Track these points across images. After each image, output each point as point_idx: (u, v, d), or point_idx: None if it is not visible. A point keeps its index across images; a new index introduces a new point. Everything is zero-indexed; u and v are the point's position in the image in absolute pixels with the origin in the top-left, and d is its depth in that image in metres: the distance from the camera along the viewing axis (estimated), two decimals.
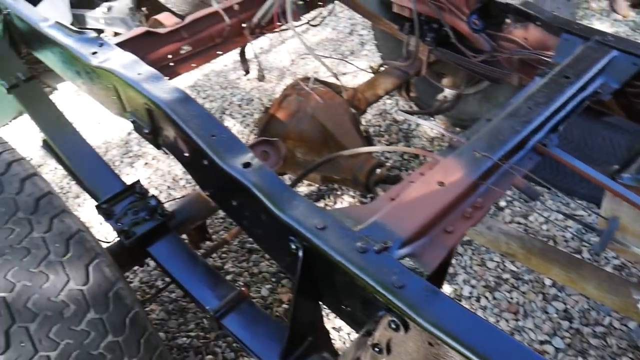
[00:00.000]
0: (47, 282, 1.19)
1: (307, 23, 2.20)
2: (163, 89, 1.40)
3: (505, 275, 2.36)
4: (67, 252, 1.24)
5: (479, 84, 2.81)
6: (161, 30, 1.86)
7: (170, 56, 1.91)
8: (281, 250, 1.22)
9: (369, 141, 2.18)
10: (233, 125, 3.30)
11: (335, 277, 1.12)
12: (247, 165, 1.25)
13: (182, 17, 1.94)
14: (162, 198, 2.80)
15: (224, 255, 2.54)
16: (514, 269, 2.39)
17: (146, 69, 1.48)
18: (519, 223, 2.60)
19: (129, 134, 3.34)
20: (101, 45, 1.67)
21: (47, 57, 2.03)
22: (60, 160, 1.93)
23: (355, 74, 3.57)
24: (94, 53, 1.64)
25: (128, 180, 1.66)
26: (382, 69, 2.51)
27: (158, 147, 1.58)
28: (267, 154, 1.47)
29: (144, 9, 3.71)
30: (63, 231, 1.26)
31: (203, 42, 1.98)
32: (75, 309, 1.21)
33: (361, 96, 2.29)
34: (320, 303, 1.27)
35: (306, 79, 2.11)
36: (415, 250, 1.15)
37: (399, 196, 1.27)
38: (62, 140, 1.87)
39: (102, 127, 3.46)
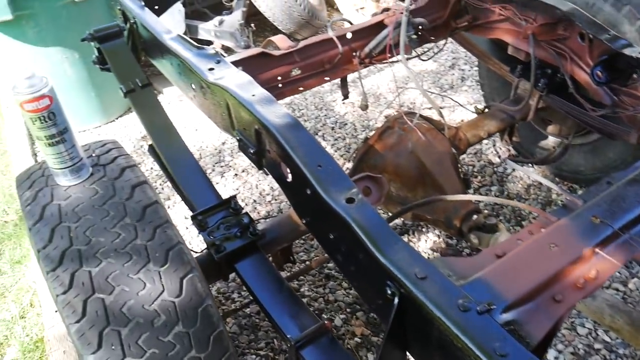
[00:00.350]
0: (143, 289, 1.22)
1: (417, 57, 2.17)
2: (275, 113, 1.41)
3: (597, 346, 2.19)
4: (166, 263, 1.26)
5: (587, 136, 2.65)
6: (275, 52, 1.90)
7: (280, 78, 1.94)
8: (374, 292, 1.18)
9: (466, 184, 2.10)
10: (324, 147, 3.31)
11: (430, 332, 1.06)
12: (350, 200, 1.22)
13: (296, 40, 1.97)
14: (247, 211, 2.85)
15: (301, 277, 2.53)
16: (607, 339, 2.21)
17: (260, 91, 1.50)
18: (616, 290, 2.41)
19: (223, 143, 3.44)
20: (218, 62, 1.72)
21: (164, 66, 2.13)
22: (162, 166, 2.00)
23: (453, 108, 3.49)
24: (211, 69, 1.69)
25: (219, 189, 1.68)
26: (486, 109, 2.43)
27: (260, 167, 1.59)
28: (369, 190, 1.45)
29: (252, 25, 3.84)
30: (164, 242, 1.28)
31: (313, 67, 1.99)
32: (165, 320, 1.23)
33: (463, 136, 2.22)
34: (408, 353, 1.22)
35: (411, 114, 2.07)
36: (521, 316, 1.08)
37: (506, 254, 1.20)
38: (168, 147, 1.94)
39: (199, 134, 3.58)
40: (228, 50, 3.88)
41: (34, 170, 1.45)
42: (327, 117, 3.62)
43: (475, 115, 2.41)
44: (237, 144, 1.66)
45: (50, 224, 1.26)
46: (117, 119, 3.91)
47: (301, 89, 2.01)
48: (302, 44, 1.94)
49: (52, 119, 1.23)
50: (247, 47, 3.57)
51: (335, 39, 1.96)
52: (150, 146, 2.07)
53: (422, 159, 1.98)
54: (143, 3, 2.23)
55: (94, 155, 1.46)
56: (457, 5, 2.26)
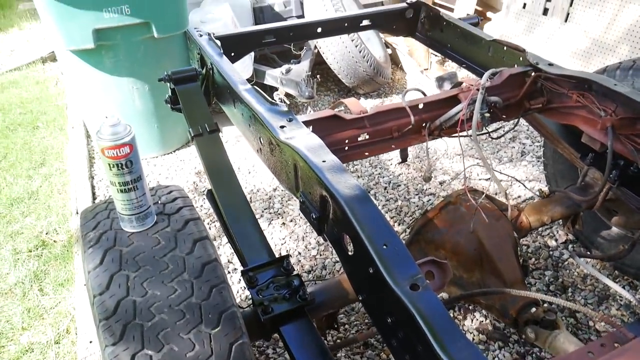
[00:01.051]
0: (192, 351, 1.19)
1: (488, 134, 2.13)
2: (345, 184, 1.39)
3: None
4: (217, 326, 1.23)
5: None
6: (347, 116, 1.89)
7: (347, 141, 1.93)
8: None
9: (525, 271, 2.01)
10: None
11: None
12: (415, 287, 1.17)
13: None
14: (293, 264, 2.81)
15: (338, 340, 2.45)
16: None
17: (331, 158, 1.49)
18: None
19: (275, 190, 3.45)
20: (290, 120, 1.72)
21: (234, 115, 2.15)
22: (218, 213, 2.00)
23: (511, 182, 3.41)
24: (282, 127, 1.69)
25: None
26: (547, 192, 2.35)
27: (320, 233, 1.56)
28: (432, 275, 1.39)
29: (317, 76, 3.89)
30: (219, 303, 1.26)
31: (381, 133, 1.98)
32: None
33: (525, 220, 2.15)
34: None
35: (475, 191, 2.02)
36: None
37: None
38: (227, 196, 1.94)
39: (252, 177, 3.61)
40: (290, 97, 3.94)
41: (100, 210, 1.47)
42: (381, 176, 3.59)
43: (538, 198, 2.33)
44: (289, 194, 1.65)
45: (110, 270, 1.25)
46: (174, 151, 4.00)
47: (367, 153, 1.99)
48: (373, 110, 1.93)
49: (128, 167, 1.25)
50: (311, 97, 3.62)
51: (407, 108, 1.94)
52: (209, 191, 2.08)
53: (483, 240, 1.91)
54: (222, 50, 2.29)
55: (159, 202, 1.47)
56: (533, 86, 2.22)
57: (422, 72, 4.79)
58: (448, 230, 1.96)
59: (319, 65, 4.55)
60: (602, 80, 2.00)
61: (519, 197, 3.30)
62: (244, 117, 1.98)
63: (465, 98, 2.04)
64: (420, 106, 2.03)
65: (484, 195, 1.94)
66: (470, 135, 1.98)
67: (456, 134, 2.10)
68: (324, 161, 1.48)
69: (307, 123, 1.82)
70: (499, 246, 1.94)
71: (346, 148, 1.96)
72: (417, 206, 3.24)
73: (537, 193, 2.34)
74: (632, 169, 2.17)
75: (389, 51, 5.03)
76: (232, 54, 2.59)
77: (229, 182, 2.00)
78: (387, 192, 3.42)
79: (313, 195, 1.52)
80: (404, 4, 2.88)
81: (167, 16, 3.27)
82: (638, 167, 2.07)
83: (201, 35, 2.46)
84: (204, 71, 2.34)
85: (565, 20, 4.32)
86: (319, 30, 2.71)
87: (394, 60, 5.18)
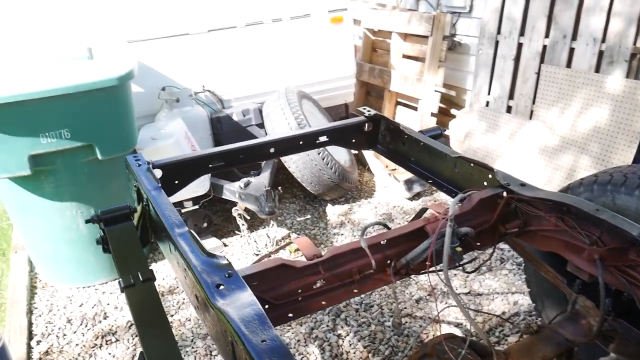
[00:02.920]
0: None
1: (461, 266, 1.88)
2: None
3: None
4: None
5: None
6: (297, 263, 1.63)
7: (300, 291, 1.66)
8: None
9: None
10: (346, 334, 2.94)
11: None
12: None
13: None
14: None
15: None
16: None
17: (272, 336, 1.21)
18: None
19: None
20: (229, 276, 1.46)
21: (171, 260, 1.88)
22: None
23: (492, 296, 3.13)
24: (219, 286, 1.42)
25: None
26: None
27: None
28: None
29: (279, 188, 3.68)
30: None
31: (340, 277, 1.72)
32: None
33: None
34: None
35: (453, 338, 1.73)
36: None
37: None
38: (159, 355, 1.63)
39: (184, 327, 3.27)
40: (249, 211, 3.68)
41: None
42: None
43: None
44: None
45: None
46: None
47: (324, 303, 1.70)
48: (329, 253, 1.68)
49: None
50: (271, 213, 3.38)
51: (367, 250, 1.70)
52: (141, 354, 1.76)
53: None
54: (159, 183, 2.05)
55: None
56: (506, 209, 2.01)
57: (389, 173, 4.63)
58: None
59: (283, 169, 4.36)
60: (582, 205, 1.80)
61: (502, 330, 2.99)
62: (180, 266, 1.71)
63: (433, 230, 1.81)
64: (383, 243, 1.78)
65: (466, 345, 1.65)
66: (441, 271, 1.73)
67: (425, 271, 1.85)
68: (263, 341, 1.20)
69: (250, 277, 1.55)
70: None
71: (299, 299, 1.68)
72: (393, 332, 2.92)
73: (523, 327, 2.05)
74: (625, 295, 1.94)
75: (354, 151, 4.90)
76: (177, 182, 2.35)
77: (163, 340, 1.69)
78: (359, 314, 3.10)
79: None
80: (361, 118, 2.73)
81: (112, 137, 3.06)
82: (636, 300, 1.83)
83: (139, 165, 2.22)
84: (139, 207, 2.09)
85: (530, 118, 4.26)
86: (272, 150, 2.52)
87: (361, 161, 5.04)
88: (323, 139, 2.66)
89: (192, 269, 1.53)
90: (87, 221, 1.97)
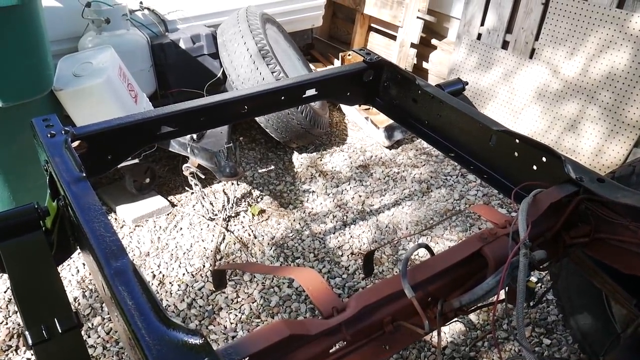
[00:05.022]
0: None
1: (535, 306, 1.36)
2: None
3: None
4: None
5: None
6: (311, 328, 1.03)
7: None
8: None
9: None
10: None
11: None
12: None
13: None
14: None
15: None
16: None
17: None
18: None
19: None
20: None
21: (98, 284, 1.25)
22: None
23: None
24: None
25: None
26: None
27: None
28: None
29: (241, 138, 2.99)
30: None
31: (367, 332, 1.15)
32: None
33: None
34: None
35: None
36: None
37: None
38: None
39: None
40: (203, 168, 2.98)
41: None
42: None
43: None
44: None
45: None
46: None
47: None
48: (355, 305, 1.08)
49: None
50: (233, 175, 2.72)
51: (414, 301, 1.12)
52: None
53: None
54: (82, 172, 1.36)
55: None
56: (575, 212, 1.48)
57: (366, 117, 4.00)
58: None
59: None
60: None
61: None
62: (120, 325, 1.09)
63: (494, 255, 1.25)
64: (428, 277, 1.21)
65: None
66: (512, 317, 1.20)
67: (475, 307, 1.31)
68: None
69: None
70: None
71: None
72: None
73: None
74: None
75: None
76: (109, 157, 1.65)
77: None
78: None
79: None
80: (361, 64, 2.06)
81: (15, 75, 2.25)
82: None
83: (52, 136, 1.50)
84: (55, 204, 1.40)
85: (530, 57, 3.69)
86: (245, 109, 1.84)
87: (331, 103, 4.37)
88: (311, 92, 1.99)
89: (142, 350, 0.92)
90: None
